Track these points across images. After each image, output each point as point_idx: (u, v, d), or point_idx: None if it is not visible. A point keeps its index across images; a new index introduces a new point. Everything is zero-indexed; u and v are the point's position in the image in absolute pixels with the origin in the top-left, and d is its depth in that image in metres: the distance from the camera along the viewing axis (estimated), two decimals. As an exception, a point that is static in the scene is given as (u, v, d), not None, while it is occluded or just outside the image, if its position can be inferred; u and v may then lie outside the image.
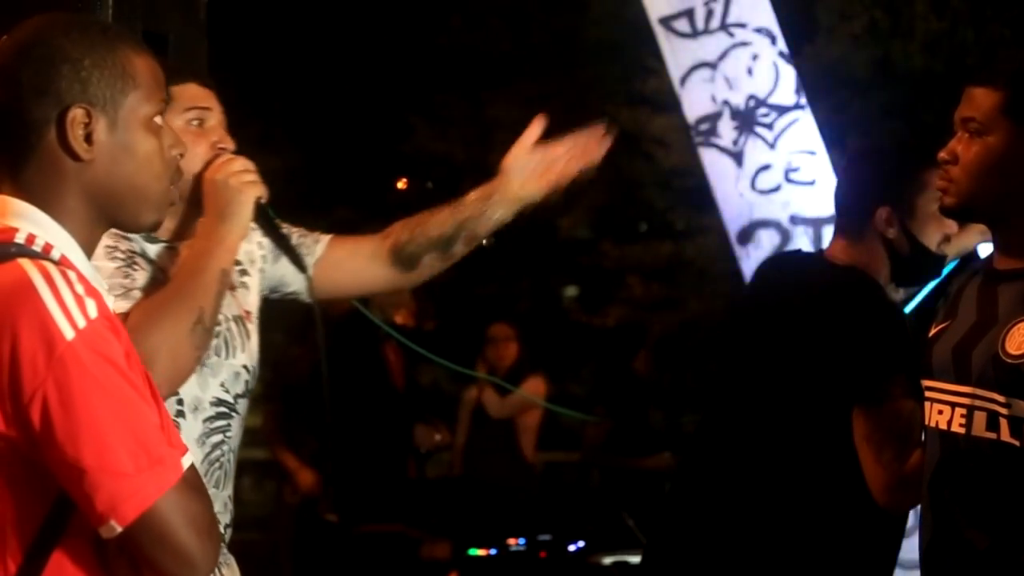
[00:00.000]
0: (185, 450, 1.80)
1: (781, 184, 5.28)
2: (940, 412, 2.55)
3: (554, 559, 6.27)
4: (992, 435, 2.44)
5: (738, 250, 5.33)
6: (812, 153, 5.29)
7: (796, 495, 3.03)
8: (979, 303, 2.57)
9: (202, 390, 2.57)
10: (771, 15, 5.34)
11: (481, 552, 6.24)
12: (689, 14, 5.32)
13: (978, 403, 2.47)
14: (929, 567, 2.59)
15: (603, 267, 12.41)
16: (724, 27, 5.30)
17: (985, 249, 2.88)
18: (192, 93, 2.61)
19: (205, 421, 2.58)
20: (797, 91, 5.31)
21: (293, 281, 2.80)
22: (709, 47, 5.31)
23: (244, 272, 2.73)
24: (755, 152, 5.28)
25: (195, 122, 2.60)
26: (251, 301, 2.73)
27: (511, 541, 6.27)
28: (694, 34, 5.33)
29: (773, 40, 5.31)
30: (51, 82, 1.86)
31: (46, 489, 1.77)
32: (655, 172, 10.62)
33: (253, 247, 2.75)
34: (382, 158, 14.58)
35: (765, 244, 5.27)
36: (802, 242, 5.22)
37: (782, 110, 5.29)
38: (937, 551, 2.55)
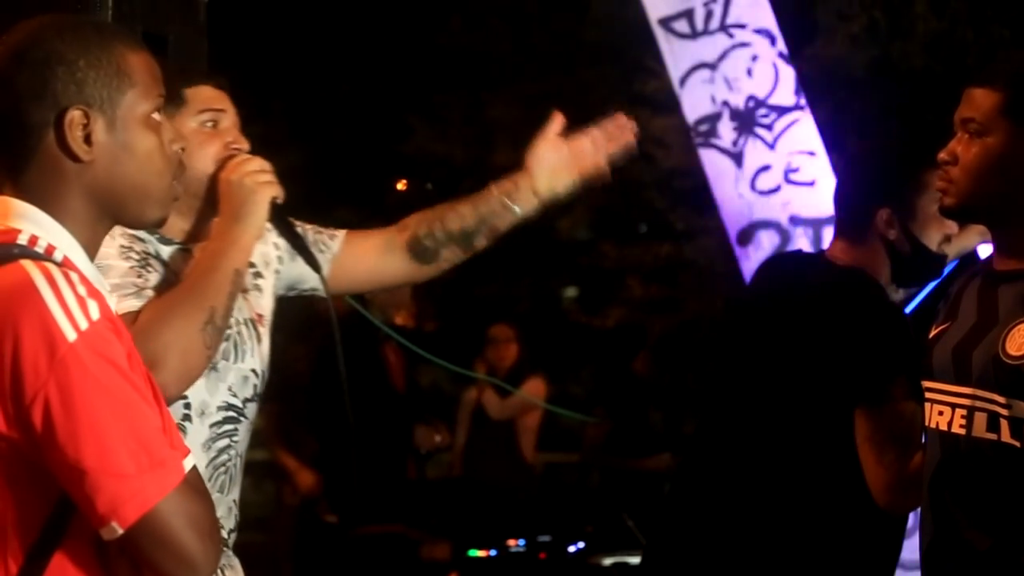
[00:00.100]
0: (187, 452, 1.80)
1: (781, 185, 5.28)
2: (940, 413, 2.55)
3: (554, 560, 6.27)
4: (993, 436, 2.44)
5: (738, 251, 5.33)
6: (812, 154, 5.29)
7: (797, 496, 3.03)
8: (979, 304, 2.57)
9: (210, 394, 2.55)
10: (770, 16, 5.34)
11: (481, 553, 6.24)
12: (689, 15, 5.32)
13: (978, 404, 2.47)
14: (929, 568, 2.58)
15: (603, 268, 12.38)
16: (724, 28, 5.30)
17: (985, 250, 2.88)
18: (206, 95, 2.60)
19: (212, 426, 2.56)
20: (797, 92, 5.31)
21: (311, 278, 2.77)
22: (709, 48, 5.31)
23: (258, 275, 2.71)
24: (755, 153, 5.28)
25: (209, 124, 2.59)
26: (264, 304, 2.71)
27: (511, 542, 6.27)
28: (694, 35, 5.33)
29: (773, 41, 5.31)
30: (47, 85, 1.85)
31: (47, 490, 1.77)
32: (655, 173, 10.59)
33: (269, 248, 2.73)
34: (382, 159, 14.55)
35: (765, 245, 5.27)
36: (802, 243, 5.22)
37: (782, 111, 5.29)
38: (937, 552, 2.55)
